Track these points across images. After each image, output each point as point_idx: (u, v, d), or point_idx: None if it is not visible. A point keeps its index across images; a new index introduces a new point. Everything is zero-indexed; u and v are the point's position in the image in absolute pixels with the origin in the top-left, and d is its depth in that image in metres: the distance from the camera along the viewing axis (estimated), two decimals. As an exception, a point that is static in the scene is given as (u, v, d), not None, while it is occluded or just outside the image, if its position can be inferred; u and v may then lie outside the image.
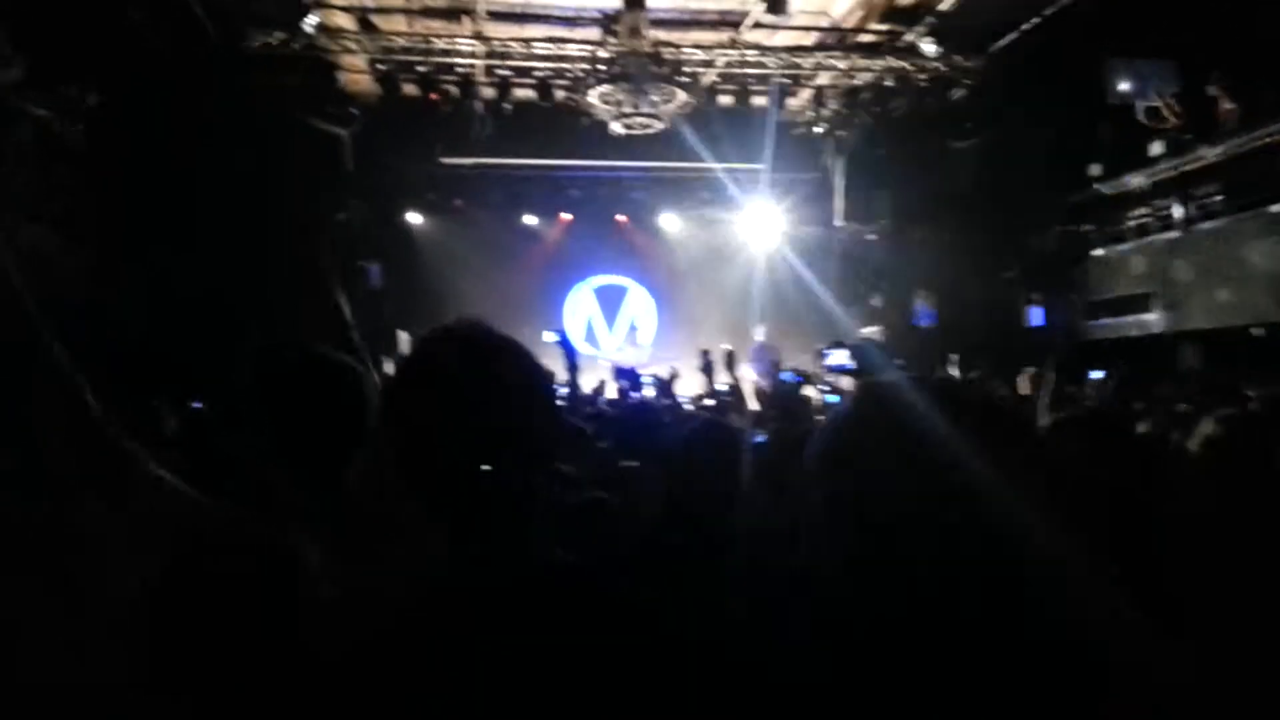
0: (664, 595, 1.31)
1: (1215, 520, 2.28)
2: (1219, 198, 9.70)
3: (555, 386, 1.35)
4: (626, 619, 1.24)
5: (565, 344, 4.45)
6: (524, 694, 1.14)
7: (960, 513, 0.83)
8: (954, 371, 9.09)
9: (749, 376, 11.57)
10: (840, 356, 3.58)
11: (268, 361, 1.79)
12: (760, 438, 3.15)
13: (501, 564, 1.23)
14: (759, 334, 13.14)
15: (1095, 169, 11.56)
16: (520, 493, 1.27)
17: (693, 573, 1.82)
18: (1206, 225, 9.82)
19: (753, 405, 5.59)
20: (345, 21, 10.81)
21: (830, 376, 3.71)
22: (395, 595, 1.24)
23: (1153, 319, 10.43)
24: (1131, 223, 11.03)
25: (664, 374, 6.49)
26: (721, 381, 5.71)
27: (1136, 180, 10.85)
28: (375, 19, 10.91)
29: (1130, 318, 10.88)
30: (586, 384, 6.28)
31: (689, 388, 6.97)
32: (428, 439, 1.23)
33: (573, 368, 4.35)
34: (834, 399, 4.35)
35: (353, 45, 10.95)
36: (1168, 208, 10.41)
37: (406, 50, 11.09)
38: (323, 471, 1.68)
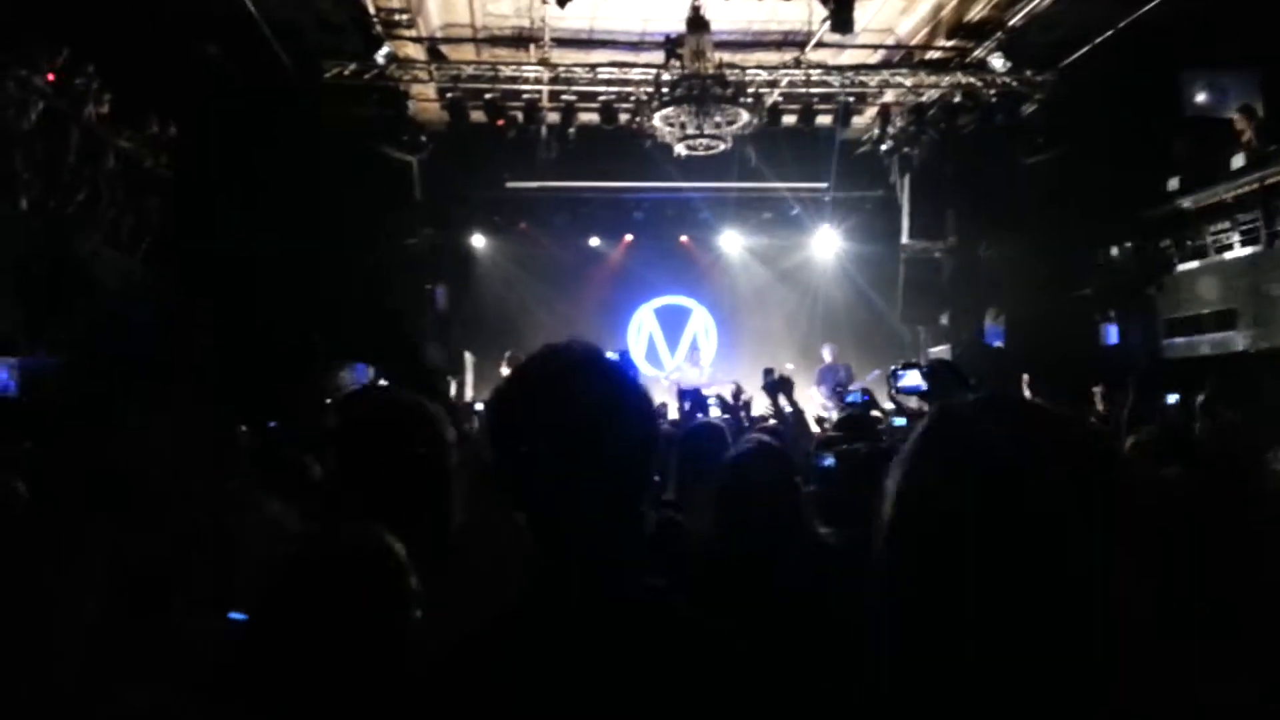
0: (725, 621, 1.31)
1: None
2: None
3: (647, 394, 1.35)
4: (716, 650, 1.23)
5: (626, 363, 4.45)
6: None
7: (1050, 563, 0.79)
8: (1025, 393, 8.90)
9: (817, 397, 11.51)
10: (914, 378, 3.49)
11: (350, 406, 1.88)
12: (828, 460, 3.10)
13: (601, 588, 1.23)
14: (827, 353, 13.02)
15: (1173, 183, 11.24)
16: (629, 517, 1.27)
17: (742, 598, 1.81)
18: (1292, 240, 9.47)
19: (814, 428, 5.53)
20: (415, 51, 11.08)
21: (901, 398, 3.63)
22: (495, 618, 1.25)
23: (1236, 337, 10.07)
24: (1211, 238, 10.68)
25: (728, 394, 6.45)
26: (784, 402, 5.65)
27: (1217, 194, 10.51)
28: (444, 48, 11.17)
29: (1211, 336, 10.52)
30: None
31: (755, 408, 6.93)
32: (540, 460, 1.23)
33: None
34: (901, 421, 4.26)
35: (422, 74, 11.22)
36: (1250, 222, 10.06)
37: (474, 78, 11.33)
38: (401, 514, 1.73)
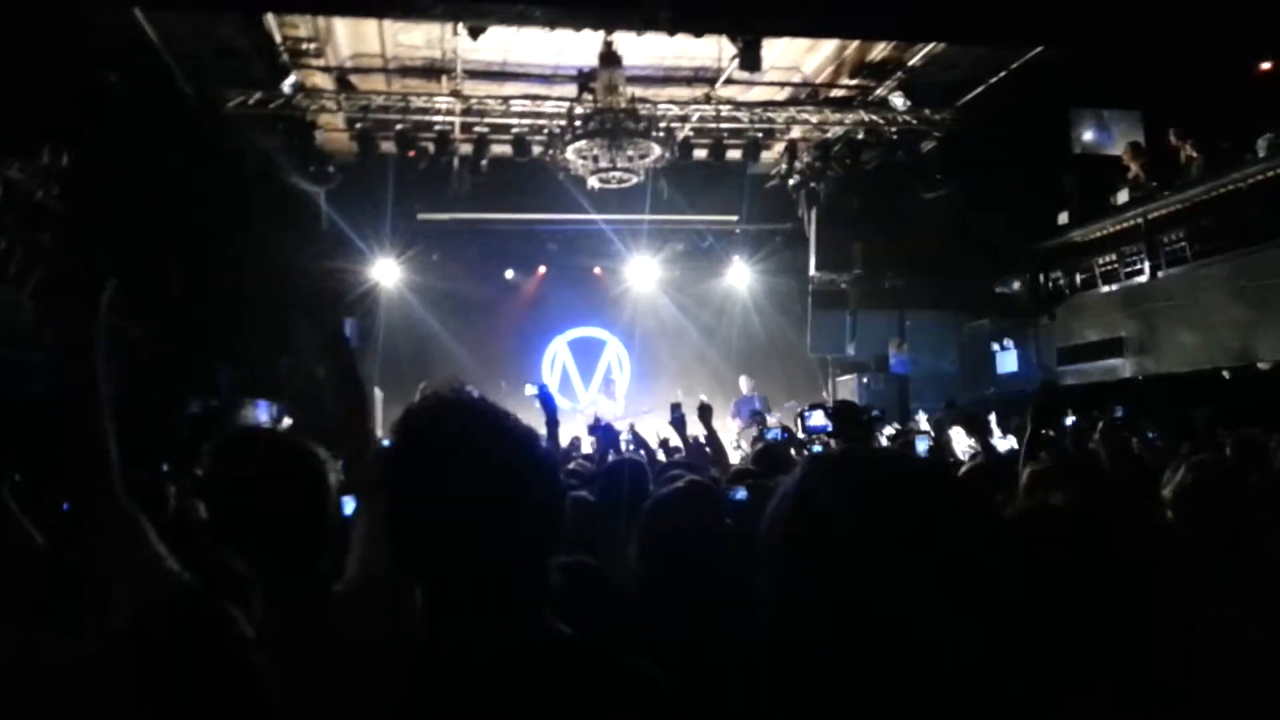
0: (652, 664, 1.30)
1: (1190, 564, 2.31)
2: (1183, 244, 9.91)
3: (550, 453, 1.34)
4: (635, 696, 1.22)
5: (545, 398, 4.40)
6: None
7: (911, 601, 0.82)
8: (924, 425, 9.17)
9: (733, 427, 11.62)
10: (819, 418, 3.57)
11: (221, 454, 1.82)
12: (740, 493, 3.13)
13: (503, 637, 1.21)
14: (744, 384, 13.19)
15: (1063, 217, 11.79)
16: (526, 564, 1.24)
17: (673, 640, 1.81)
18: (1173, 271, 10.01)
19: (734, 460, 5.57)
20: (323, 81, 10.92)
21: (810, 439, 3.69)
22: (385, 673, 1.22)
23: (1124, 364, 10.57)
24: (1100, 269, 11.22)
25: (640, 428, 6.46)
26: (696, 435, 5.68)
27: (1104, 227, 11.07)
28: (354, 78, 11.03)
29: (1100, 363, 11.02)
30: (562, 439, 6.24)
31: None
32: (428, 510, 1.21)
33: (552, 423, 4.31)
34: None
35: (331, 104, 11.06)
36: (1135, 254, 10.61)
37: (384, 108, 11.21)
38: (281, 554, 1.69)
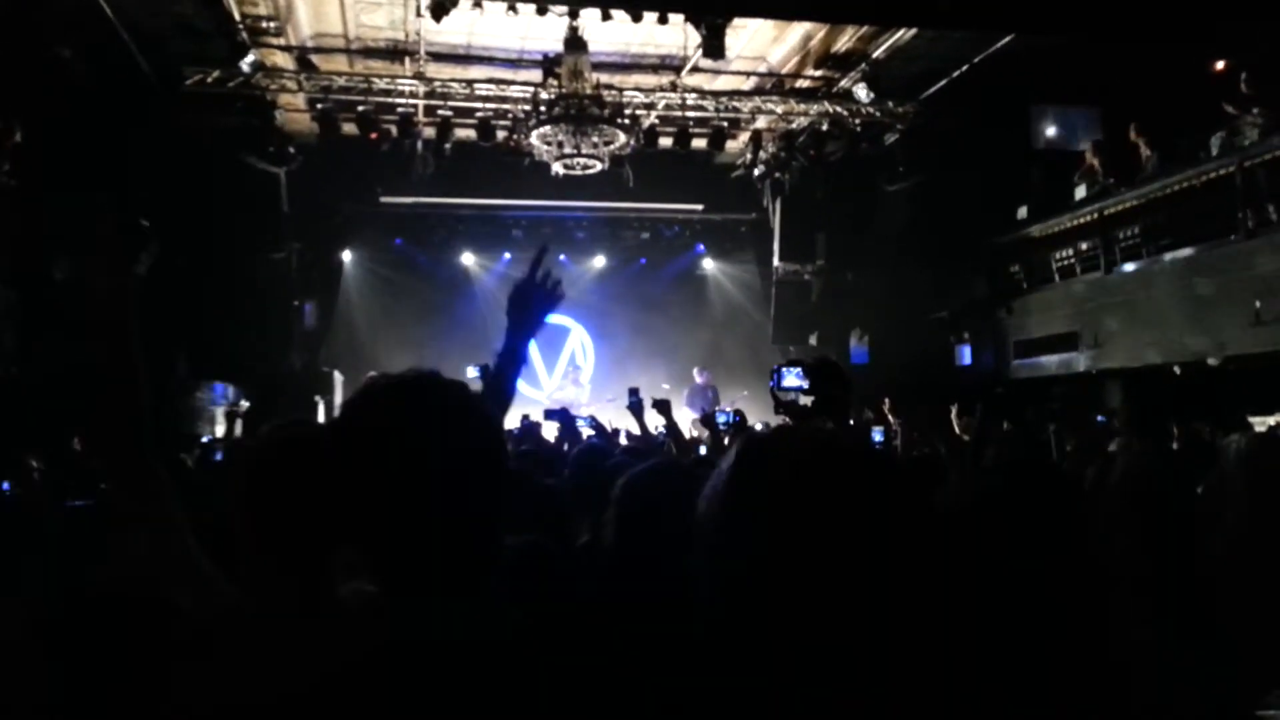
0: (622, 648, 1.30)
1: (1137, 552, 2.35)
2: (1138, 240, 10.07)
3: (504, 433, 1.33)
4: (588, 682, 1.22)
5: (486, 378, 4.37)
6: None
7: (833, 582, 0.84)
8: (887, 415, 9.23)
9: (689, 415, 11.66)
10: (793, 378, 3.54)
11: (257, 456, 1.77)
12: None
13: (454, 620, 1.20)
14: (697, 375, 13.25)
15: (1022, 211, 11.94)
16: (475, 544, 1.24)
17: (654, 623, 1.81)
18: (1128, 267, 10.17)
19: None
20: (284, 60, 10.77)
21: (787, 398, 3.65)
22: (335, 653, 1.21)
23: (1078, 358, 10.74)
24: (1056, 264, 11.38)
25: (603, 417, 6.45)
26: (656, 423, 5.68)
27: (1061, 223, 11.22)
28: (315, 58, 10.89)
29: (1055, 357, 11.19)
30: (509, 421, 6.20)
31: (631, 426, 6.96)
32: (378, 489, 1.20)
33: (497, 400, 4.28)
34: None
35: (291, 84, 10.90)
36: (1091, 250, 10.77)
37: (346, 89, 11.07)
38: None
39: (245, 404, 10.09)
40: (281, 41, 10.33)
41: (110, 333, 1.58)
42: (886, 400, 6.60)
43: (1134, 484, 2.56)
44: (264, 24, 9.82)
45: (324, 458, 1.31)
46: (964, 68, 10.86)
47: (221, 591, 1.50)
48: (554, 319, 15.54)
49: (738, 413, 5.60)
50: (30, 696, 1.18)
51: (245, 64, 10.01)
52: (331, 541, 1.41)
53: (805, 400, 3.87)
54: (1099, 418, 6.74)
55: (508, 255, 14.54)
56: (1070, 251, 11.15)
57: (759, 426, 6.45)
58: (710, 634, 0.91)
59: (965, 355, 12.79)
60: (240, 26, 9.65)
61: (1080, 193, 11.12)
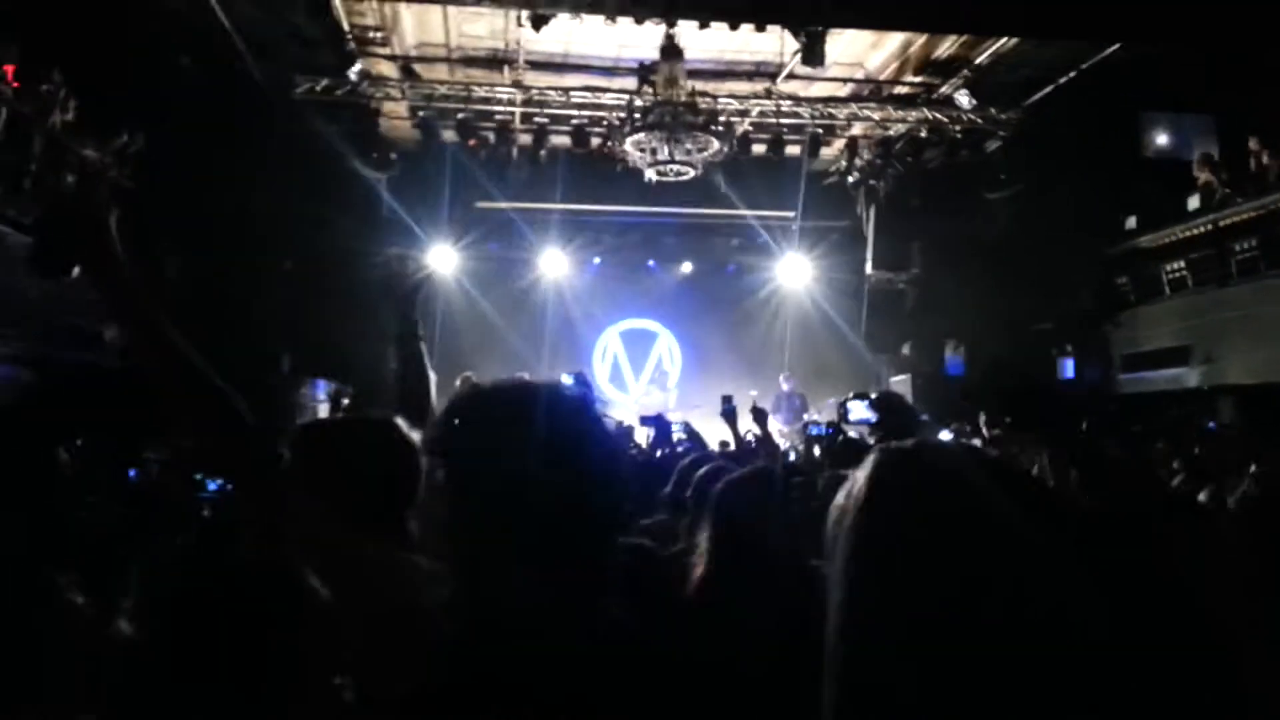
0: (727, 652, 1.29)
1: (1254, 582, 2.24)
2: (1256, 253, 9.61)
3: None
4: (698, 685, 1.22)
5: (584, 384, 4.43)
6: None
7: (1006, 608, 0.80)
8: (982, 428, 8.98)
9: (775, 424, 11.56)
10: (860, 410, 3.48)
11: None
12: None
13: (570, 617, 1.20)
14: (784, 382, 13.11)
15: (1131, 222, 11.50)
16: (595, 545, 1.25)
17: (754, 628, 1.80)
18: (1245, 280, 9.72)
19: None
20: (388, 69, 11.07)
21: (854, 431, 3.62)
22: (452, 641, 1.22)
23: (1189, 373, 10.30)
24: (1167, 276, 10.93)
25: (694, 421, 6.46)
26: (748, 430, 5.66)
27: (1173, 233, 10.78)
28: (418, 67, 11.17)
29: (1165, 372, 10.75)
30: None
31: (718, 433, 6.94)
32: (511, 487, 1.21)
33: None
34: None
35: (395, 92, 11.20)
36: (1205, 262, 10.32)
37: (446, 97, 11.33)
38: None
39: (351, 391, 10.40)
40: (386, 51, 10.63)
41: (130, 312, 1.63)
42: (981, 415, 6.42)
43: (1257, 507, 2.45)
44: (371, 34, 10.12)
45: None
46: (1071, 74, 10.53)
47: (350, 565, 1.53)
48: (641, 323, 15.64)
49: (831, 424, 5.52)
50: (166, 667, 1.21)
51: (352, 73, 10.35)
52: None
53: (870, 434, 3.84)
54: (1209, 424, 6.42)
55: (597, 260, 14.65)
56: (1182, 263, 10.70)
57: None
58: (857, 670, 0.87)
59: (1068, 369, 12.37)
60: (349, 36, 9.97)
61: (1193, 203, 10.67)
